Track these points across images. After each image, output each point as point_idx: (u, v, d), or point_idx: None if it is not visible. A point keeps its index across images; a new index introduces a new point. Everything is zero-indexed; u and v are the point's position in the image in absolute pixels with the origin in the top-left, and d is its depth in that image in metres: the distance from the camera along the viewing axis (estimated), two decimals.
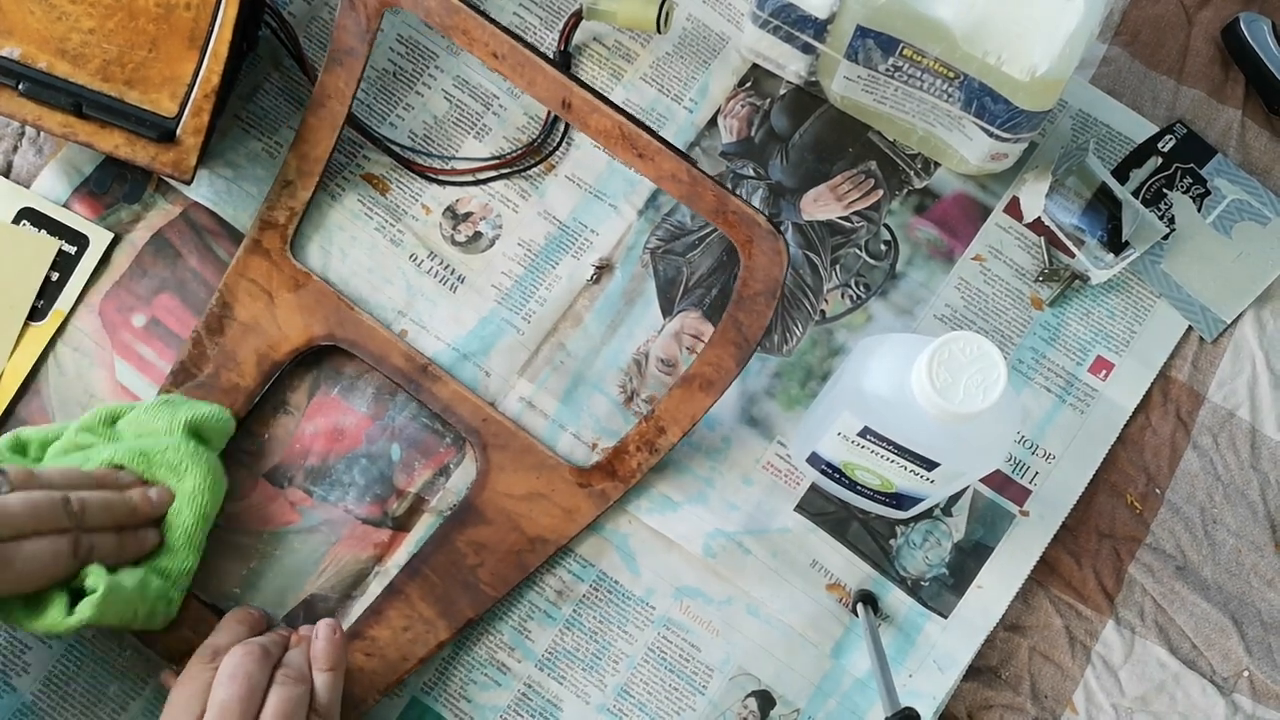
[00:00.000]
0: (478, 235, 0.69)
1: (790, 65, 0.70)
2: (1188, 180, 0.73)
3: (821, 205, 0.71)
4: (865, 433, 0.55)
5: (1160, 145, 0.73)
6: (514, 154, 0.70)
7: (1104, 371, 0.69)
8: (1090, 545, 0.67)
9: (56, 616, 0.54)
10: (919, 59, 0.63)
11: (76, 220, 0.67)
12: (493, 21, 0.62)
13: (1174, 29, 0.76)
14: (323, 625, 0.58)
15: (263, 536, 0.65)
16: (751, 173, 0.71)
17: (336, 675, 0.57)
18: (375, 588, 0.64)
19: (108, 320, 0.66)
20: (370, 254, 0.68)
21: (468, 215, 0.70)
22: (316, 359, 0.66)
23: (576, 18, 0.71)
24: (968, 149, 0.68)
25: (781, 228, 0.66)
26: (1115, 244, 0.70)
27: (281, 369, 0.65)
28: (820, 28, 0.65)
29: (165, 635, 0.61)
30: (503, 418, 0.65)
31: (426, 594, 0.63)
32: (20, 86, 0.62)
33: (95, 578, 0.55)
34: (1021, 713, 0.65)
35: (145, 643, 0.61)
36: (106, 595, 0.54)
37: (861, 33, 0.63)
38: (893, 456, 0.56)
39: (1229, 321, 0.71)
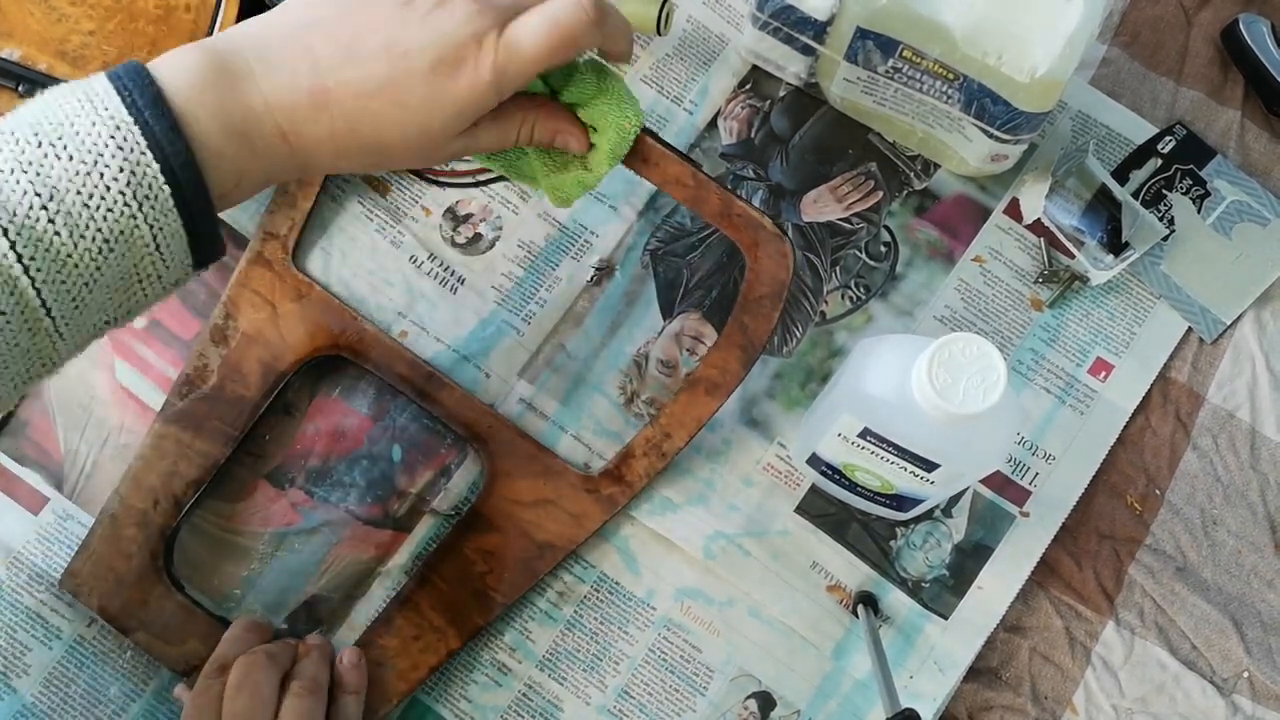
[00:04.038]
0: (478, 237, 0.69)
1: (790, 67, 0.70)
2: (1187, 181, 0.73)
3: (821, 207, 0.71)
4: (865, 434, 0.55)
5: (1160, 146, 0.73)
6: None
7: (1104, 373, 0.69)
8: (1090, 546, 0.67)
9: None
10: (918, 60, 0.63)
11: None
12: None
13: (1173, 30, 0.76)
14: (349, 651, 0.61)
15: (264, 537, 0.65)
16: (751, 174, 0.71)
17: (360, 699, 0.60)
18: (377, 588, 0.64)
19: None
20: (371, 256, 0.68)
21: (468, 217, 0.70)
22: (318, 361, 0.66)
23: None
24: (968, 150, 0.68)
25: (782, 229, 0.66)
26: (1115, 245, 0.70)
27: (286, 379, 0.65)
28: (820, 29, 0.65)
29: (174, 648, 0.61)
30: (509, 425, 0.65)
31: (436, 602, 0.63)
32: (20, 88, 0.62)
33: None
34: (1022, 714, 0.65)
35: (155, 657, 0.62)
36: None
37: (861, 34, 0.63)
38: (893, 458, 0.56)
39: (1229, 323, 0.71)
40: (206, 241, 0.45)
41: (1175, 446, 0.69)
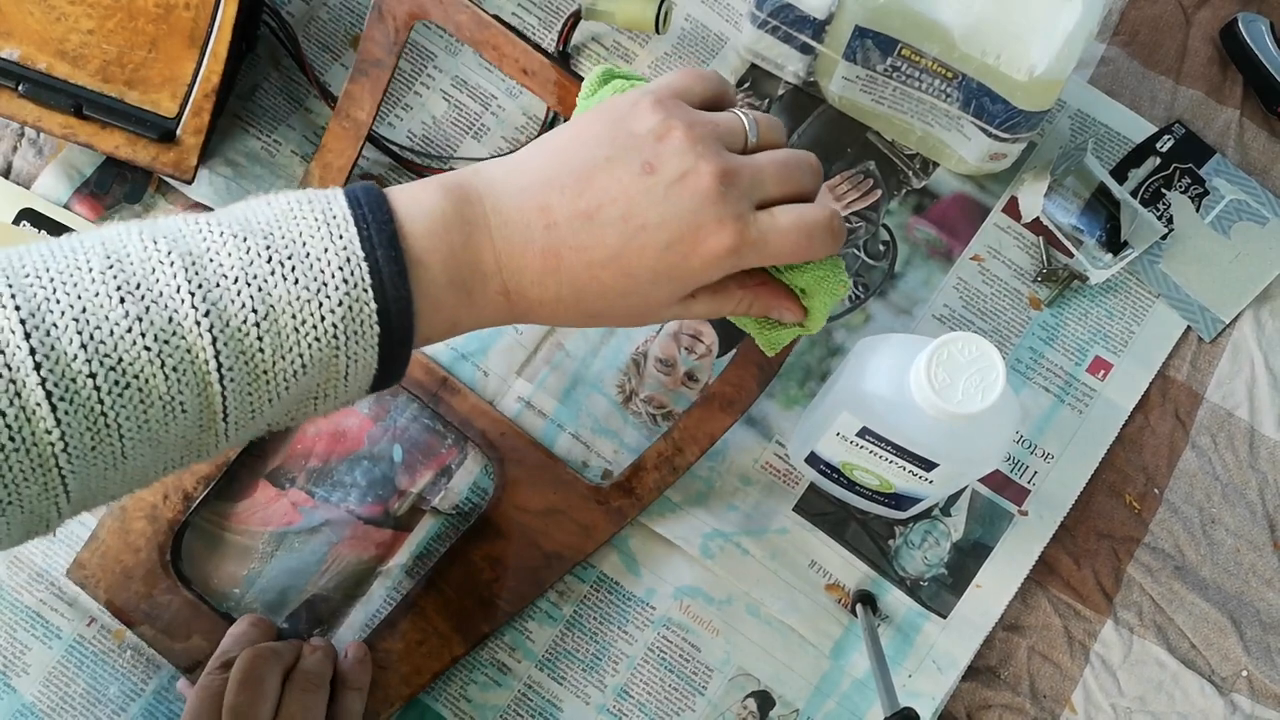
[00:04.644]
0: None
1: (789, 65, 0.70)
2: (1186, 180, 0.73)
3: None
4: (864, 433, 0.55)
5: (1159, 145, 0.73)
6: (514, 153, 0.70)
7: (1102, 371, 0.69)
8: (1089, 545, 0.67)
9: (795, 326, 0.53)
10: (917, 59, 0.63)
11: (77, 221, 0.67)
12: (523, 37, 0.62)
13: (1172, 29, 0.76)
14: (354, 646, 0.61)
15: (264, 537, 0.65)
16: None
17: (363, 695, 0.60)
18: (377, 588, 0.64)
19: None
20: None
21: None
22: None
23: (575, 18, 0.71)
24: (966, 149, 0.68)
25: None
26: (1113, 244, 0.70)
27: None
28: (818, 28, 0.65)
29: (179, 644, 0.61)
30: (521, 433, 0.65)
31: (442, 608, 0.63)
32: (20, 88, 0.62)
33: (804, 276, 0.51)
34: (1021, 713, 0.65)
35: (160, 651, 0.62)
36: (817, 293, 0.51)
37: (860, 33, 0.63)
38: (891, 457, 0.56)
39: (1227, 321, 0.71)
40: (393, 372, 0.44)
41: (1174, 445, 0.69)
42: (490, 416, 0.65)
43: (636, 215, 0.45)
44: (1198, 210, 0.72)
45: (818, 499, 0.67)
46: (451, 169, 0.70)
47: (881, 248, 0.71)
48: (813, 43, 0.66)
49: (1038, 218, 0.71)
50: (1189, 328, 0.71)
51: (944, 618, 0.65)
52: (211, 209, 0.67)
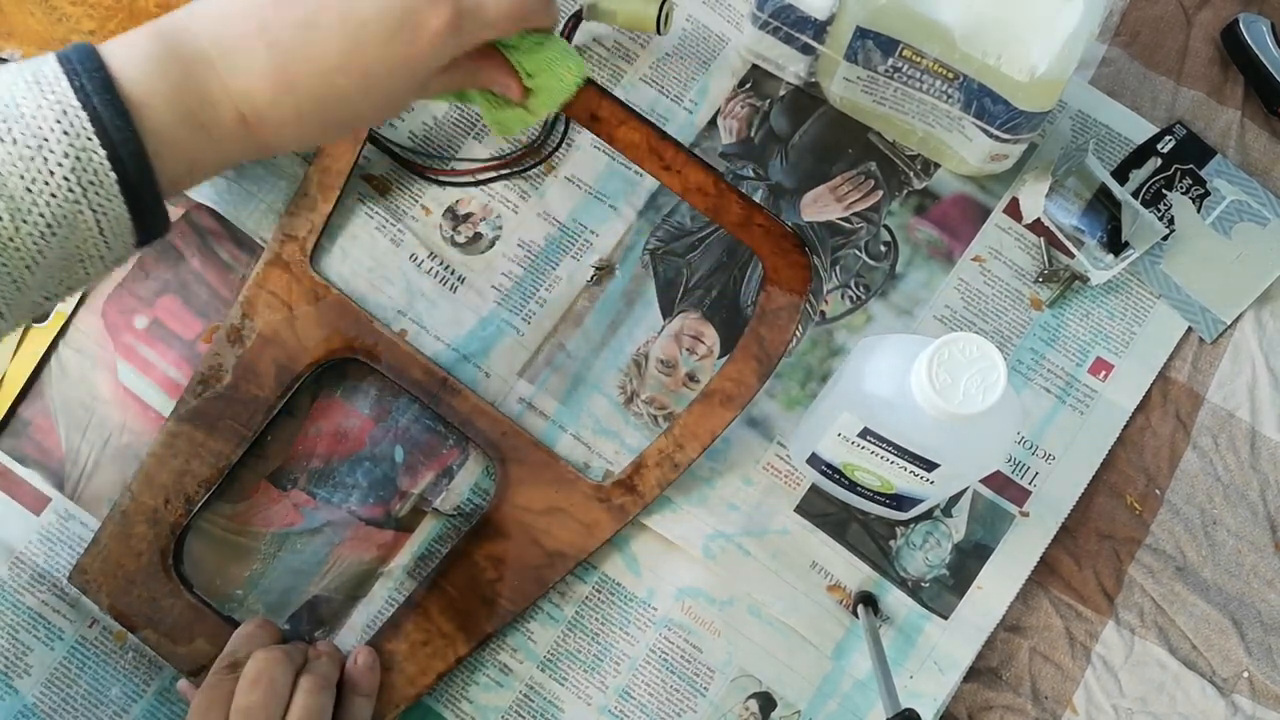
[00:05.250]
0: (478, 236, 0.70)
1: (790, 66, 0.71)
2: (1187, 181, 0.73)
3: (821, 206, 0.71)
4: (865, 433, 0.55)
5: (1160, 146, 0.73)
6: (514, 155, 0.70)
7: (1104, 372, 0.69)
8: (1090, 546, 0.67)
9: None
10: (918, 60, 0.63)
11: None
12: None
13: (1173, 30, 0.76)
14: (363, 652, 0.61)
15: (266, 538, 0.65)
16: (751, 174, 0.71)
17: (371, 701, 0.60)
18: (379, 589, 0.64)
19: (110, 322, 0.66)
20: (370, 254, 0.68)
21: (468, 216, 0.70)
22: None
23: (576, 18, 0.71)
24: (967, 150, 0.68)
25: (804, 241, 0.66)
26: (1115, 245, 0.70)
27: (301, 381, 0.65)
28: (820, 29, 0.65)
29: (182, 648, 0.61)
30: (522, 432, 0.65)
31: (446, 608, 0.63)
32: None
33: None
34: (1022, 714, 0.65)
35: (163, 656, 0.62)
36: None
37: (861, 34, 0.63)
38: (892, 457, 0.56)
39: (1228, 322, 0.71)
40: (151, 222, 0.44)
41: (1175, 446, 0.69)
42: (491, 417, 0.65)
43: (354, 12, 0.46)
44: (1199, 211, 0.72)
45: (819, 500, 0.67)
46: (453, 169, 0.70)
47: (883, 248, 0.71)
48: (814, 43, 0.66)
49: (1039, 218, 0.71)
50: (1190, 328, 0.71)
51: (945, 619, 0.66)
52: (216, 212, 0.68)
